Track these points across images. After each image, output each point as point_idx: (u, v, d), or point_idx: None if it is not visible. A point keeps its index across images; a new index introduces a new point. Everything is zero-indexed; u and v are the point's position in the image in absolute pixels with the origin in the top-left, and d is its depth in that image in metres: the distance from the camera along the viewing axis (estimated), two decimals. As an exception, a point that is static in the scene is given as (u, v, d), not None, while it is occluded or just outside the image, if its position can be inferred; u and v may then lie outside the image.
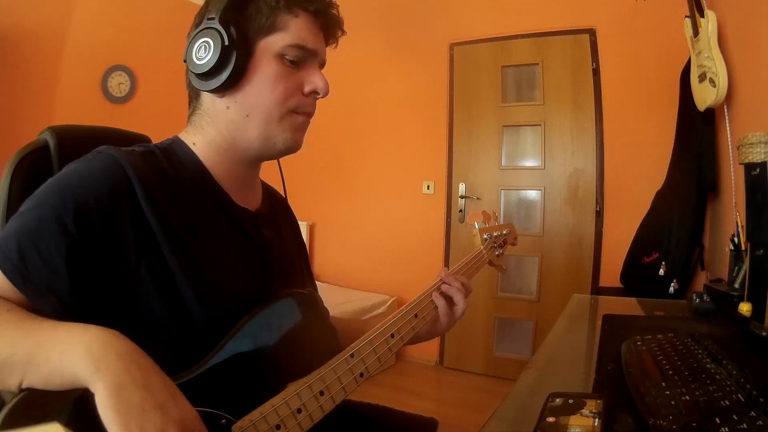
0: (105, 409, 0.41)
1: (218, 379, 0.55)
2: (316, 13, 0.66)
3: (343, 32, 0.72)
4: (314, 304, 0.67)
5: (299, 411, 0.55)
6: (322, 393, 0.58)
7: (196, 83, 0.65)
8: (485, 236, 1.00)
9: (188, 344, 0.57)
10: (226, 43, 0.61)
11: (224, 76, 0.62)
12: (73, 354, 0.44)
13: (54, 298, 0.52)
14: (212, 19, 0.63)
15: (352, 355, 0.64)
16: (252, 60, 0.64)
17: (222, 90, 0.64)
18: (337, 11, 0.70)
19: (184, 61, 0.66)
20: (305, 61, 0.67)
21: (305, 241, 2.24)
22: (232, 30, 0.62)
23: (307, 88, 0.67)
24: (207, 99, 0.67)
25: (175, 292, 0.57)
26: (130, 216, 0.56)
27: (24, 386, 0.45)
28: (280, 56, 0.64)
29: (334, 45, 0.73)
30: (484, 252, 0.98)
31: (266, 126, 0.65)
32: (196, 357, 0.56)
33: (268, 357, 0.59)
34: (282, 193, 0.85)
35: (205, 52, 0.63)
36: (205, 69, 0.62)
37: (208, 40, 0.62)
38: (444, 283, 0.82)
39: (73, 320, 0.49)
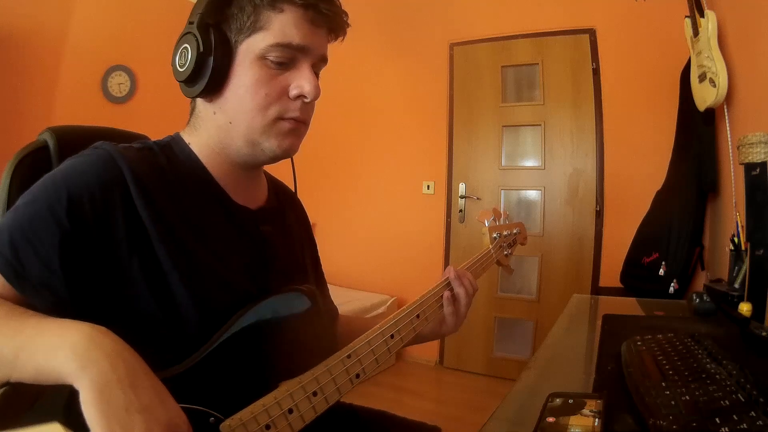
0: (88, 407, 0.41)
1: (208, 376, 0.54)
2: (306, 5, 0.60)
3: (347, 23, 0.66)
4: (312, 300, 0.64)
5: (290, 411, 0.54)
6: (315, 394, 0.57)
7: (183, 89, 0.65)
8: (494, 235, 0.97)
9: (179, 340, 0.56)
10: (201, 49, 0.59)
11: (203, 82, 0.61)
12: (58, 352, 0.43)
13: (48, 294, 0.51)
14: (191, 23, 0.61)
15: (348, 356, 0.62)
16: (234, 64, 0.61)
17: (205, 96, 0.63)
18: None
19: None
20: (294, 60, 0.62)
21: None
22: (210, 34, 0.60)
23: (292, 92, 0.62)
24: (199, 102, 0.66)
25: (167, 288, 0.56)
26: (123, 211, 0.55)
27: (12, 381, 0.45)
28: (262, 58, 0.60)
29: (341, 38, 0.67)
30: (492, 251, 0.95)
31: (250, 135, 0.63)
32: (188, 352, 0.55)
33: (260, 354, 0.58)
34: (292, 188, 0.83)
35: (184, 59, 0.62)
36: (185, 76, 0.61)
37: (187, 46, 0.61)
38: (455, 279, 0.79)
39: (68, 316, 0.48)
